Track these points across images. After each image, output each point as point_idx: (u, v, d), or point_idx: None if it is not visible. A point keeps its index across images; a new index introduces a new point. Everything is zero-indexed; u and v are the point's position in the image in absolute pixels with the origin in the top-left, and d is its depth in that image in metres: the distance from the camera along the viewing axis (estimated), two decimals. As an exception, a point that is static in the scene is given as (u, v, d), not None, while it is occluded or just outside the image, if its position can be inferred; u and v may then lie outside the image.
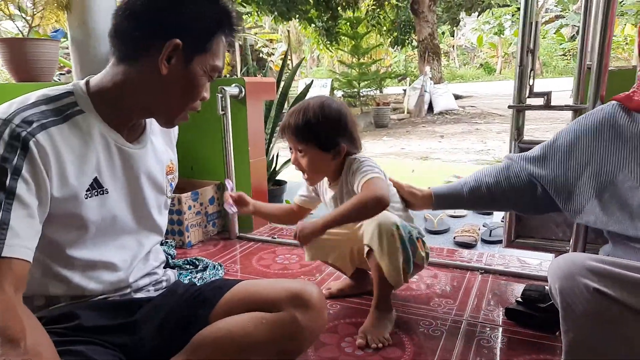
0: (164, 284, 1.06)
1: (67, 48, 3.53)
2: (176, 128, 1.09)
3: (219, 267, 1.86)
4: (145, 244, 0.99)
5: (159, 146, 1.01)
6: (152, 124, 0.98)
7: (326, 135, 1.32)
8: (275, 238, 2.23)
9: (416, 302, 1.56)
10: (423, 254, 1.41)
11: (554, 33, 20.55)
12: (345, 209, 1.22)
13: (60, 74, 3.55)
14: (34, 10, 2.33)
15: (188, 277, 1.73)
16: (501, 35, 21.97)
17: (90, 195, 0.83)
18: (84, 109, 0.83)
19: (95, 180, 0.84)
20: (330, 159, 1.36)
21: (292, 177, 3.61)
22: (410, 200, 1.46)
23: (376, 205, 1.21)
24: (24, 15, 2.35)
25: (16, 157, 0.72)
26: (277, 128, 2.81)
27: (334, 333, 1.37)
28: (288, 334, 0.91)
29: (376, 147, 6.55)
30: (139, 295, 0.98)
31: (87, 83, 0.87)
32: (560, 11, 20.23)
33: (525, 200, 1.28)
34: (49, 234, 0.80)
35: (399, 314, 1.46)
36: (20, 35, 2.44)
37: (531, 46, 1.54)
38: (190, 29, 0.83)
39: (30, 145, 0.73)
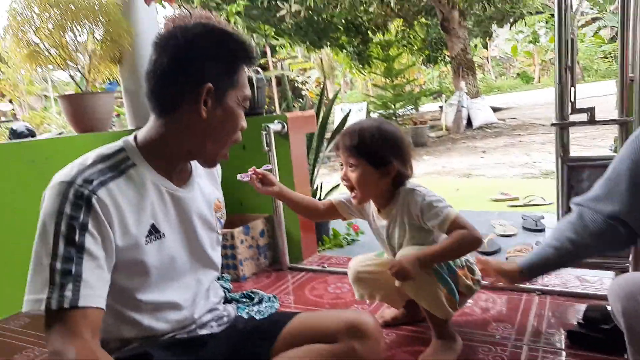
0: (225, 319, 1.12)
1: (121, 97, 3.77)
2: (219, 168, 1.16)
3: (274, 299, 1.90)
4: (204, 281, 1.06)
5: (205, 187, 1.07)
6: (197, 167, 1.06)
7: (379, 153, 1.34)
8: (325, 267, 2.27)
9: (472, 327, 1.55)
10: (469, 282, 1.35)
11: (592, 36, 19.94)
12: (444, 249, 1.26)
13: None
14: (90, 64, 2.53)
15: (245, 310, 1.78)
16: (536, 43, 21.51)
17: (149, 240, 0.90)
18: (135, 162, 0.91)
19: (153, 226, 0.91)
20: (378, 177, 1.35)
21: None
22: (499, 277, 1.40)
23: (474, 243, 1.28)
24: (80, 69, 2.55)
25: (82, 214, 0.80)
26: (319, 158, 2.89)
27: (392, 362, 1.38)
28: None
29: (417, 167, 6.47)
30: (203, 331, 1.04)
31: (135, 138, 0.95)
32: (597, 13, 19.66)
33: (611, 241, 1.20)
34: (117, 282, 0.87)
35: (456, 340, 1.45)
36: (74, 85, 2.64)
37: (569, 63, 1.54)
38: (217, 71, 0.90)
39: (93, 202, 0.81)
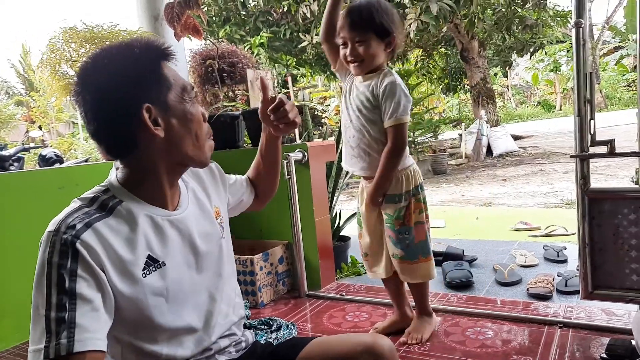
0: (243, 344, 1.12)
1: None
2: (220, 169, 1.15)
3: (292, 327, 1.92)
4: (217, 297, 1.04)
5: (200, 197, 1.06)
6: (188, 181, 1.05)
7: (384, 25, 1.53)
8: (343, 295, 2.27)
9: (492, 359, 1.53)
10: (418, 213, 1.70)
11: (615, 64, 19.81)
12: (383, 171, 1.59)
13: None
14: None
15: (263, 338, 1.80)
16: (557, 72, 21.44)
17: (147, 273, 0.89)
18: (122, 199, 0.90)
19: (149, 257, 0.90)
20: (383, 47, 1.57)
21: (355, 232, 3.66)
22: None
23: (401, 152, 1.59)
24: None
25: (69, 261, 0.80)
26: (338, 185, 2.92)
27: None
28: None
29: (436, 195, 6.49)
30: (222, 357, 1.05)
31: (117, 176, 0.94)
32: (620, 42, 19.57)
33: None
34: (128, 318, 0.87)
35: (476, 373, 1.44)
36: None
37: (588, 96, 1.56)
38: (141, 88, 0.86)
39: (77, 246, 0.81)
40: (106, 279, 0.83)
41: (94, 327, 0.79)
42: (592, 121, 1.57)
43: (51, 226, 0.84)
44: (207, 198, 1.09)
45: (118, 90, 0.85)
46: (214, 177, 1.14)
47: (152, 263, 0.90)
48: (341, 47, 1.60)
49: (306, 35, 8.13)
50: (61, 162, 2.74)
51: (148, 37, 0.99)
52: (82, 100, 0.87)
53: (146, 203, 0.93)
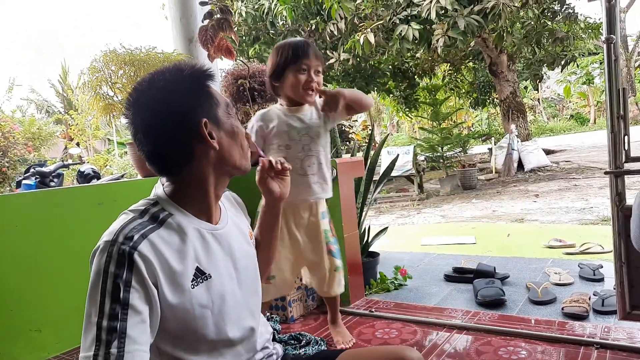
0: (275, 356, 1.15)
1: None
2: (240, 200, 1.19)
3: (322, 342, 1.93)
4: (256, 313, 1.08)
5: (235, 218, 1.11)
6: (223, 202, 1.09)
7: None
8: (372, 312, 2.26)
9: (527, 380, 1.50)
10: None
11: (652, 76, 19.20)
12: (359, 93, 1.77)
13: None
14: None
15: (293, 353, 1.81)
16: (590, 84, 20.94)
17: (195, 284, 0.92)
18: (171, 211, 0.95)
19: (197, 269, 0.93)
20: None
21: (384, 247, 3.66)
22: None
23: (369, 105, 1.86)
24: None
25: (125, 271, 0.83)
26: (367, 201, 2.94)
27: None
28: None
29: (466, 210, 6.39)
30: None
31: (164, 190, 0.99)
32: (656, 53, 18.98)
33: None
34: (172, 329, 0.90)
35: (510, 393, 1.41)
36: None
37: (621, 112, 1.54)
38: (197, 103, 0.93)
39: (134, 258, 0.84)
40: (157, 293, 0.86)
41: (142, 340, 0.82)
42: (626, 137, 1.55)
43: (108, 236, 0.87)
44: (240, 219, 1.14)
45: (178, 107, 0.91)
46: (236, 206, 1.17)
47: (200, 275, 0.93)
48: (300, 74, 1.70)
49: (334, 52, 8.23)
50: (98, 178, 2.86)
51: (188, 60, 1.07)
52: (138, 122, 0.92)
53: (193, 216, 0.97)
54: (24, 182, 2.57)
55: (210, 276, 0.95)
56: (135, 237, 0.86)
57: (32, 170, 2.67)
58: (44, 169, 2.62)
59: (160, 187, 0.99)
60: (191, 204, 0.97)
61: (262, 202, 1.20)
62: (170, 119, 0.91)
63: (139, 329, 0.82)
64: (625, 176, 1.61)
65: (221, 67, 3.68)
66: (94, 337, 0.80)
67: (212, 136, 0.94)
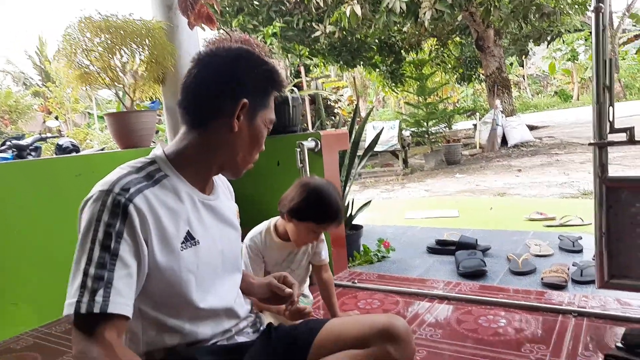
0: (259, 325, 1.15)
1: (160, 115, 3.91)
2: (230, 185, 1.19)
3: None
4: (236, 286, 1.09)
5: (224, 195, 1.11)
6: (216, 179, 1.09)
7: None
8: (355, 283, 2.28)
9: (505, 347, 1.52)
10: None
11: (635, 53, 19.36)
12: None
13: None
14: (135, 84, 2.67)
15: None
16: (575, 61, 21.04)
17: (184, 247, 0.92)
18: (167, 173, 0.95)
19: (188, 232, 0.94)
20: None
21: (368, 221, 3.67)
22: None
23: None
24: (125, 89, 2.69)
25: (118, 222, 0.83)
26: (351, 175, 2.92)
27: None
28: None
29: (449, 185, 6.44)
30: (241, 338, 1.07)
31: (164, 151, 0.98)
32: (640, 30, 19.09)
33: None
34: (156, 290, 0.90)
35: (489, 360, 1.44)
36: (118, 102, 2.77)
37: (607, 83, 1.53)
38: (254, 89, 0.96)
39: (129, 210, 0.84)
40: (146, 249, 0.86)
41: (126, 293, 0.81)
42: (611, 108, 1.55)
43: (103, 185, 0.86)
44: (229, 199, 1.14)
45: (239, 75, 0.95)
46: (226, 189, 1.17)
47: (190, 239, 0.94)
48: (313, 233, 1.57)
49: (319, 24, 8.08)
50: (78, 151, 2.78)
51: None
52: (196, 74, 0.96)
53: (188, 183, 0.97)
54: (0, 155, 2.49)
55: (199, 242, 0.95)
56: (132, 190, 0.86)
57: (8, 143, 2.58)
58: (21, 142, 2.53)
59: (159, 148, 0.99)
60: (190, 168, 0.97)
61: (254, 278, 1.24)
62: (227, 77, 0.94)
63: (125, 282, 0.81)
64: (608, 149, 1.62)
65: (204, 37, 3.57)
66: (80, 283, 0.79)
67: (239, 119, 0.95)
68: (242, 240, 1.24)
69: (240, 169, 1.02)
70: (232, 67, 0.95)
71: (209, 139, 0.96)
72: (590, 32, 1.57)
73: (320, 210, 1.52)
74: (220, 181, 1.13)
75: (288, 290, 1.14)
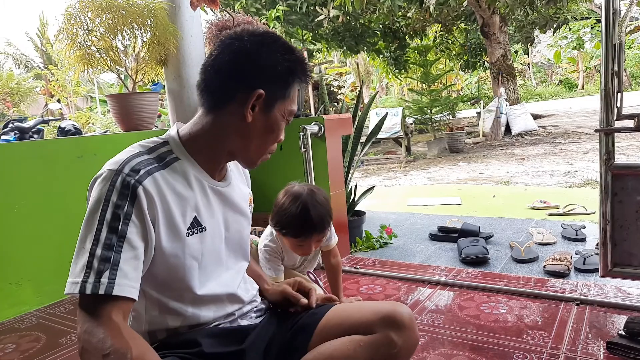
0: (263, 310, 1.15)
1: (162, 99, 3.89)
2: (247, 171, 1.17)
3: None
4: (241, 272, 1.08)
5: (237, 181, 1.10)
6: (229, 163, 1.07)
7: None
8: (357, 268, 2.28)
9: (507, 334, 1.52)
10: None
11: (642, 42, 19.12)
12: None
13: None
14: (137, 66, 2.64)
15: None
16: (581, 50, 20.82)
17: (191, 233, 0.91)
18: (179, 156, 0.93)
19: (195, 219, 0.93)
20: None
21: (370, 207, 3.66)
22: None
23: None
24: (127, 71, 2.66)
25: (127, 203, 0.82)
26: (354, 161, 2.91)
27: None
28: (385, 354, 0.95)
29: (452, 173, 6.42)
30: (244, 322, 1.07)
31: (178, 132, 0.97)
32: (648, 19, 18.83)
33: None
34: (160, 273, 0.89)
35: (489, 346, 1.44)
36: (120, 85, 2.75)
37: (616, 68, 1.51)
38: (273, 80, 0.92)
39: (138, 191, 0.83)
40: (154, 232, 0.85)
41: (133, 275, 0.81)
42: (619, 94, 1.52)
43: (113, 165, 0.85)
44: (243, 184, 1.13)
45: (258, 64, 0.91)
46: (241, 173, 1.16)
47: (197, 225, 0.93)
48: (299, 245, 1.58)
49: (323, 8, 7.99)
50: (80, 134, 2.77)
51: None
52: (216, 56, 0.92)
53: (199, 167, 0.95)
54: (2, 137, 2.48)
55: (206, 229, 0.94)
56: (142, 172, 0.85)
57: (10, 125, 2.56)
58: (24, 125, 2.52)
59: (174, 129, 0.97)
60: (202, 152, 0.96)
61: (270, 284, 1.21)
62: (246, 64, 0.90)
63: (132, 264, 0.81)
64: (616, 136, 1.60)
65: (206, 19, 3.53)
66: (85, 263, 0.78)
67: (254, 109, 0.92)
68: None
69: (253, 159, 0.99)
70: (252, 54, 0.91)
71: (222, 124, 0.93)
72: (597, 20, 1.54)
73: (295, 224, 1.52)
74: (235, 166, 1.11)
75: (304, 300, 1.12)
